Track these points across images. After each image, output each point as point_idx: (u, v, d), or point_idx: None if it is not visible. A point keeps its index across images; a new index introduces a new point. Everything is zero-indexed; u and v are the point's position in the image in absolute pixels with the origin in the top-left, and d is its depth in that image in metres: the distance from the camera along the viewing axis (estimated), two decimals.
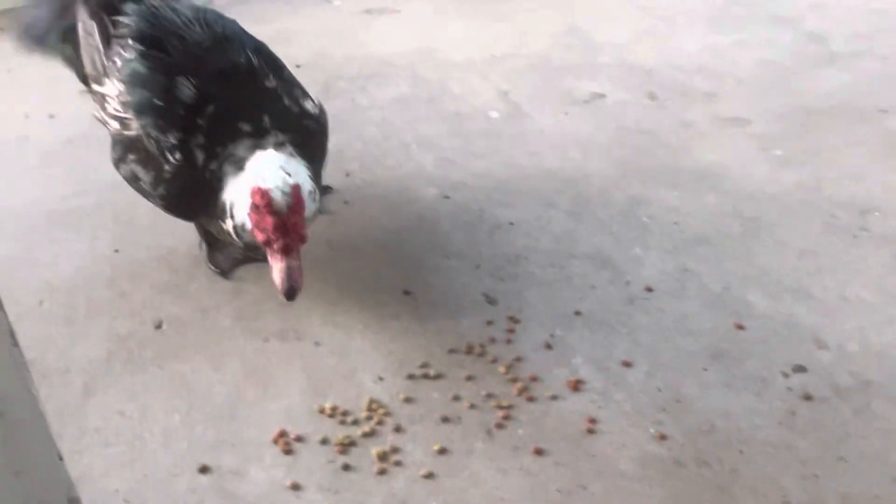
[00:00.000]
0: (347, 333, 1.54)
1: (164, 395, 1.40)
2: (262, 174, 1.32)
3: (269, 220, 1.27)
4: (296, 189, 1.30)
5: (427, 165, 2.09)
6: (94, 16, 1.64)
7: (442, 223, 1.86)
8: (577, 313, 1.58)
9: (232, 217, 1.39)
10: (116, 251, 1.77)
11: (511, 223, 1.85)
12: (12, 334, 0.74)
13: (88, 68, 1.62)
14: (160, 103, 1.45)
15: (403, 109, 2.39)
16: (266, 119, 1.44)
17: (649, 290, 1.64)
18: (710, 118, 2.32)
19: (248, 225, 1.34)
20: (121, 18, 1.56)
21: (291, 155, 1.42)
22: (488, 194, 1.96)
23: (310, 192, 1.37)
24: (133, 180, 1.55)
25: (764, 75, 2.59)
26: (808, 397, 1.38)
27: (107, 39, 1.58)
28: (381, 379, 1.43)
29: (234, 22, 1.64)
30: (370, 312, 1.59)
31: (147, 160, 1.48)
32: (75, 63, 1.73)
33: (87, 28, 1.65)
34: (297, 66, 2.60)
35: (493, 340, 1.51)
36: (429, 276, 1.69)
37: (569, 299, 1.62)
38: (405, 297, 1.63)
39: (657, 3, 3.21)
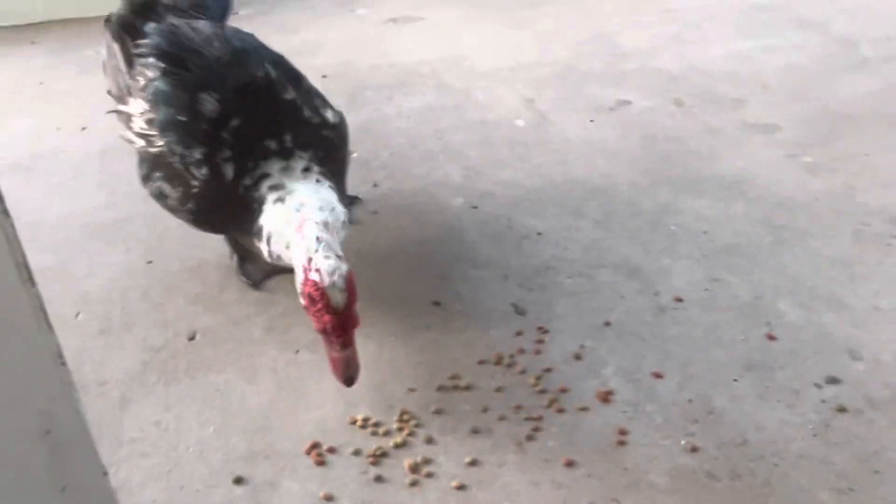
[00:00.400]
0: (378, 344, 1.55)
1: (198, 407, 1.42)
2: (316, 259, 1.30)
3: (327, 318, 1.28)
4: (350, 281, 1.30)
5: (454, 175, 2.10)
6: (117, 38, 1.68)
7: (470, 233, 1.87)
8: (607, 324, 1.58)
9: (268, 244, 1.42)
10: (150, 263, 1.79)
11: (539, 233, 1.86)
12: (60, 355, 0.75)
13: (113, 89, 1.66)
14: (183, 119, 1.48)
15: (430, 118, 2.40)
16: (288, 138, 1.47)
17: (679, 300, 1.63)
18: (738, 125, 2.31)
19: (284, 257, 1.39)
20: (141, 40, 1.60)
21: (319, 182, 1.44)
22: (516, 204, 1.97)
23: (343, 223, 1.40)
24: (160, 197, 1.58)
25: (792, 81, 2.57)
26: (842, 409, 1.36)
27: (129, 60, 1.62)
28: (411, 390, 1.44)
29: (251, 36, 1.67)
30: (400, 323, 1.60)
31: (173, 177, 1.51)
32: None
33: (110, 50, 1.69)
34: (324, 77, 2.63)
35: (522, 351, 1.52)
36: (457, 286, 1.69)
37: (598, 310, 1.61)
38: (434, 307, 1.64)
39: (682, 8, 3.21)
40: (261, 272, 1.73)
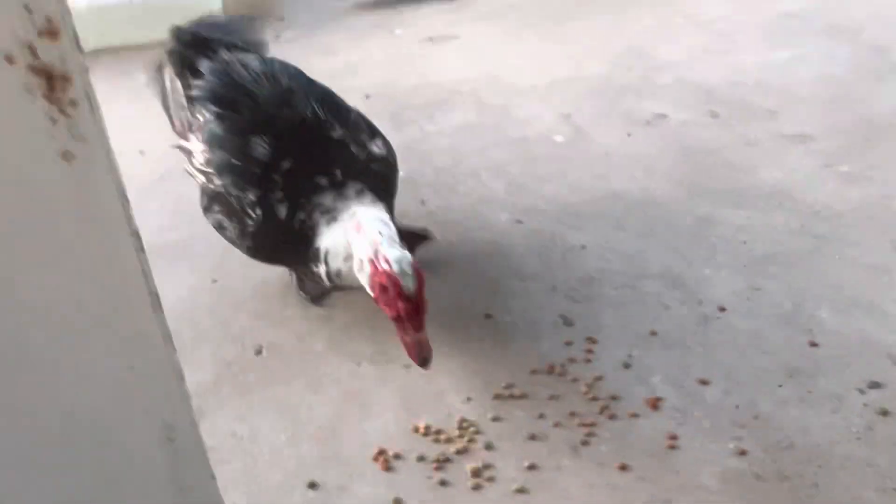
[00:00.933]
0: (435, 356, 1.63)
1: (270, 417, 1.51)
2: (382, 250, 1.39)
3: (401, 305, 1.36)
4: (417, 268, 1.39)
5: (498, 191, 2.18)
6: (179, 74, 1.78)
7: (516, 247, 1.95)
8: (653, 333, 1.65)
9: (326, 264, 1.52)
10: (214, 281, 1.90)
11: (583, 246, 1.93)
12: (181, 373, 0.85)
13: (176, 125, 1.76)
14: (237, 163, 1.56)
15: (471, 136, 2.49)
16: (338, 173, 1.55)
17: (722, 309, 1.69)
18: (774, 135, 2.36)
19: (343, 271, 1.48)
20: (197, 81, 1.69)
21: (374, 202, 1.53)
22: (559, 218, 2.05)
23: (396, 240, 1.48)
24: (220, 229, 1.68)
25: (825, 90, 2.62)
26: (884, 413, 1.42)
27: (189, 97, 1.71)
28: (469, 399, 1.52)
29: (298, 72, 1.74)
30: (454, 335, 1.68)
31: (231, 213, 1.60)
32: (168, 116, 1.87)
33: (174, 86, 1.78)
34: (367, 97, 2.73)
35: (572, 360, 1.59)
36: (507, 299, 1.77)
37: (643, 319, 1.68)
38: (486, 320, 1.72)
39: (712, 19, 3.26)
40: (319, 289, 1.82)
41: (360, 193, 1.54)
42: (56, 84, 0.64)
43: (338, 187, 1.54)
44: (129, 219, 0.76)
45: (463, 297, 1.79)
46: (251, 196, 1.54)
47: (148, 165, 2.43)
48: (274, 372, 1.62)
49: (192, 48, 1.80)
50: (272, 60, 1.78)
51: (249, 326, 1.75)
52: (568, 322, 1.69)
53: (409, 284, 1.37)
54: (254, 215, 1.55)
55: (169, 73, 1.83)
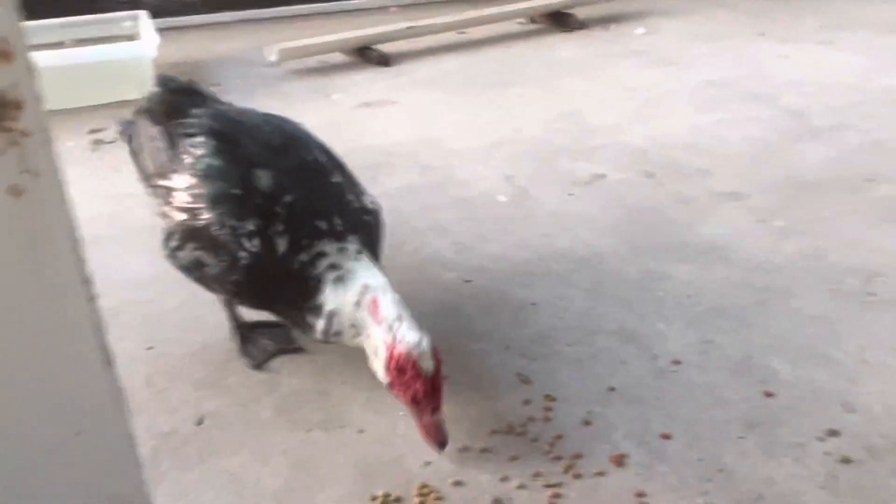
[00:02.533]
0: (389, 420, 1.56)
1: (213, 493, 1.40)
2: (401, 332, 1.39)
3: (419, 387, 1.36)
4: (435, 348, 1.39)
5: (444, 250, 2.16)
6: (158, 121, 1.73)
7: (466, 306, 1.91)
8: (611, 389, 1.62)
9: (328, 322, 1.47)
10: (150, 348, 1.79)
11: (533, 303, 1.91)
12: (133, 438, 0.77)
13: (151, 167, 1.69)
14: (237, 192, 1.53)
15: (414, 197, 2.47)
16: (338, 221, 1.53)
17: (676, 362, 1.69)
18: (708, 193, 2.43)
19: (344, 334, 1.47)
20: (189, 119, 1.66)
21: (373, 265, 1.52)
22: (507, 276, 2.03)
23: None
24: (195, 268, 1.59)
25: (751, 150, 2.73)
26: (846, 460, 1.42)
27: (171, 139, 1.66)
28: (428, 463, 1.45)
29: (298, 124, 1.75)
30: None
31: (217, 248, 1.53)
32: (138, 162, 1.81)
33: (149, 133, 1.73)
34: None
35: (532, 419, 1.55)
36: (461, 359, 1.72)
37: (601, 375, 1.66)
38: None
39: (640, 86, 3.39)
40: (263, 353, 1.74)
41: (359, 253, 1.52)
42: (6, 111, 0.57)
43: (338, 238, 1.51)
44: (80, 263, 0.70)
45: None
46: (250, 226, 1.50)
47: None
48: (217, 443, 1.51)
49: (180, 95, 1.76)
50: (270, 114, 1.77)
51: (189, 395, 1.64)
52: (525, 380, 1.65)
53: (427, 365, 1.36)
54: (249, 247, 1.49)
55: (144, 119, 1.76)
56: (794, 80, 3.37)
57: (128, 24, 3.89)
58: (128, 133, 1.90)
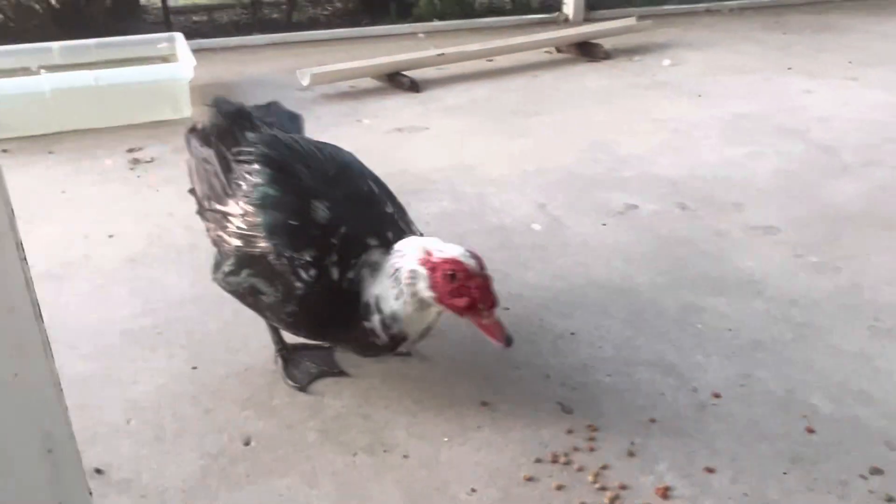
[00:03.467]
0: (433, 445, 1.58)
1: None
2: (433, 248, 1.45)
3: (474, 283, 1.41)
4: (472, 250, 1.45)
5: None
6: (210, 144, 1.75)
7: None
8: (652, 420, 1.63)
9: (379, 311, 1.50)
10: (194, 368, 1.81)
11: (572, 333, 1.93)
12: (59, 383, 0.87)
13: (204, 190, 1.71)
14: (295, 223, 1.56)
15: (450, 224, 2.50)
16: (390, 235, 1.58)
17: (717, 396, 1.70)
18: (741, 227, 2.45)
19: (398, 310, 1.49)
20: (244, 145, 1.68)
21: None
22: (545, 305, 2.05)
23: None
24: (249, 295, 1.62)
25: (783, 185, 2.75)
26: (890, 500, 1.42)
27: (225, 164, 1.69)
28: (473, 490, 1.47)
29: (351, 154, 1.78)
30: (451, 424, 1.63)
31: (272, 277, 1.56)
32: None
33: (201, 154, 1.75)
34: None
35: (576, 449, 1.56)
36: (502, 386, 1.74)
37: (642, 407, 1.67)
38: (483, 407, 1.68)
39: (669, 118, 3.42)
40: (307, 376, 1.76)
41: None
42: None
43: (387, 247, 1.55)
44: (12, 226, 0.80)
45: (456, 385, 1.75)
46: (307, 257, 1.53)
47: (117, 249, 2.35)
48: (265, 464, 1.53)
49: (233, 119, 1.78)
50: (323, 143, 1.79)
51: (235, 416, 1.66)
52: (567, 409, 1.67)
53: (472, 263, 1.42)
54: (306, 277, 1.52)
55: (193, 145, 1.78)
56: (823, 115, 3.39)
57: (163, 45, 3.96)
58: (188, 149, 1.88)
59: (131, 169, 2.93)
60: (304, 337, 1.71)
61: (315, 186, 1.61)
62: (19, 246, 0.81)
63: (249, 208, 1.59)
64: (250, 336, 1.91)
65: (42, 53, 3.78)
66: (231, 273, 1.63)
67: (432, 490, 1.47)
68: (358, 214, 1.59)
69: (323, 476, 1.51)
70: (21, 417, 0.84)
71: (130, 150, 3.09)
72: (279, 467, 1.53)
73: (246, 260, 1.59)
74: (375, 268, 1.53)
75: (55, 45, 3.80)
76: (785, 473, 1.49)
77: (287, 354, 1.81)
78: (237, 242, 1.60)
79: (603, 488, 1.46)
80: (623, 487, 1.46)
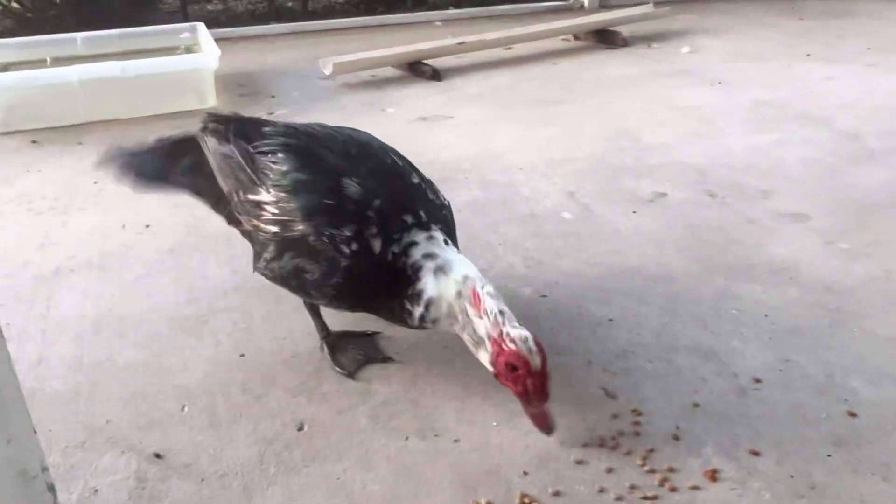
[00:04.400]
0: (483, 430, 1.61)
1: (323, 496, 1.46)
2: (506, 331, 1.47)
3: (530, 382, 1.46)
4: (539, 344, 1.47)
5: (517, 265, 2.21)
6: (227, 140, 1.76)
7: (544, 321, 1.96)
8: (696, 405, 1.66)
9: (426, 309, 1.56)
10: (242, 356, 1.85)
11: (610, 319, 1.96)
12: None
13: (231, 185, 1.74)
14: (330, 202, 1.60)
15: (480, 212, 2.52)
16: (422, 213, 1.63)
17: (758, 381, 1.73)
18: (771, 214, 2.47)
19: (441, 322, 1.57)
20: (264, 140, 1.71)
21: (461, 254, 1.63)
22: (582, 292, 2.08)
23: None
24: (293, 277, 1.65)
25: (810, 172, 2.77)
26: None
27: (249, 156, 1.71)
28: (525, 474, 1.50)
29: (367, 133, 1.82)
30: (500, 409, 1.67)
31: (315, 255, 1.60)
32: (204, 188, 1.85)
33: (222, 151, 1.77)
34: None
35: (622, 433, 1.59)
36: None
37: (684, 392, 1.70)
38: None
39: (692, 105, 3.43)
40: (354, 363, 1.80)
41: (447, 243, 1.62)
42: None
43: (425, 228, 1.61)
44: None
45: None
46: (347, 232, 1.57)
47: (156, 239, 2.38)
48: (319, 449, 1.57)
49: (235, 123, 1.81)
50: (338, 127, 1.83)
51: (286, 402, 1.70)
52: (611, 395, 1.70)
53: (535, 361, 1.45)
54: (348, 251, 1.57)
55: (210, 143, 1.80)
56: (846, 101, 3.40)
57: (186, 35, 3.98)
58: (179, 165, 1.90)
59: None
60: (346, 309, 1.77)
61: (341, 165, 1.65)
62: None
63: (282, 194, 1.62)
64: (294, 324, 1.95)
65: (65, 44, 3.81)
66: (273, 259, 1.66)
67: (485, 473, 1.51)
68: (387, 187, 1.64)
69: (377, 459, 1.54)
70: None
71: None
72: (333, 452, 1.56)
73: (286, 244, 1.63)
74: (437, 267, 1.57)
75: (79, 35, 3.83)
76: (829, 456, 1.53)
77: (333, 342, 1.84)
78: (274, 229, 1.64)
79: (652, 471, 1.50)
80: (671, 470, 1.50)
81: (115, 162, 1.92)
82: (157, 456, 1.55)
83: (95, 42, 3.89)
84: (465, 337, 1.56)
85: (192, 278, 2.17)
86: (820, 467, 1.50)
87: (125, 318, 2.00)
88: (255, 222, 1.67)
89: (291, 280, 1.69)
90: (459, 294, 1.53)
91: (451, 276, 1.55)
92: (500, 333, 1.47)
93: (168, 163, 1.91)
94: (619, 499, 1.44)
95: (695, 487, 1.46)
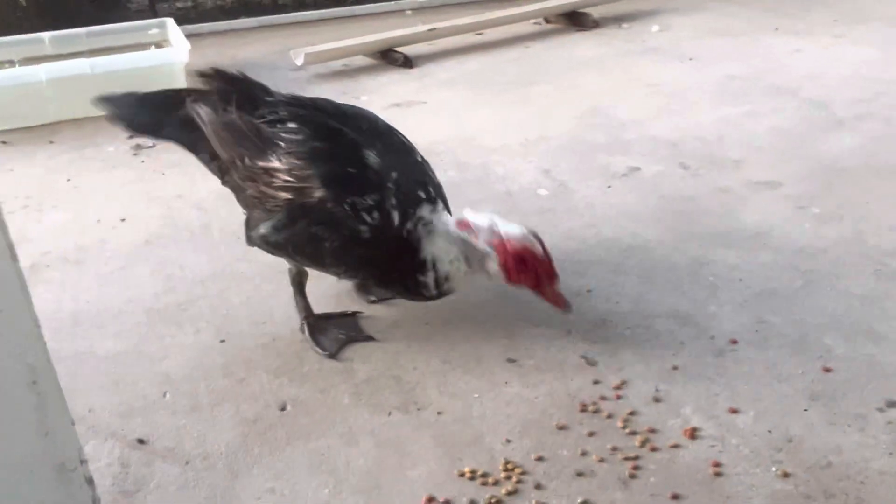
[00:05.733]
0: (465, 402, 1.63)
1: (307, 472, 1.46)
2: (502, 231, 1.59)
3: (540, 268, 1.58)
4: (533, 231, 1.60)
5: None
6: (227, 109, 1.72)
7: (523, 294, 1.95)
8: (675, 368, 1.69)
9: (435, 270, 1.64)
10: (222, 341, 1.85)
11: (588, 290, 1.98)
12: (37, 319, 0.91)
13: (234, 153, 1.70)
14: (353, 170, 1.63)
15: (457, 193, 2.51)
16: (431, 189, 1.69)
17: (734, 342, 1.75)
18: (743, 183, 2.50)
19: (451, 272, 1.66)
20: (269, 109, 1.73)
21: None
22: (560, 265, 2.04)
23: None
24: (308, 244, 1.66)
25: (780, 141, 2.80)
26: None
27: (254, 127, 1.69)
28: (508, 441, 1.52)
29: (371, 111, 1.86)
30: (481, 381, 1.68)
31: (334, 223, 1.62)
32: (199, 145, 1.83)
33: (222, 120, 1.72)
34: None
35: (603, 398, 1.61)
36: (526, 343, 1.79)
37: (662, 356, 1.73)
38: (510, 364, 1.73)
39: (663, 82, 3.46)
40: (336, 343, 1.80)
41: (444, 211, 1.70)
42: None
43: (432, 202, 1.68)
44: None
45: (481, 344, 1.80)
46: (369, 201, 1.61)
47: (131, 232, 2.37)
48: (303, 427, 1.58)
49: (239, 87, 1.79)
50: (343, 103, 1.87)
51: (268, 384, 1.70)
52: (591, 362, 1.72)
53: (538, 248, 1.58)
54: (369, 220, 1.60)
55: (205, 109, 1.75)
56: (814, 72, 3.44)
57: (154, 31, 3.95)
58: (175, 118, 1.87)
59: (135, 154, 2.95)
60: (362, 279, 1.82)
61: (359, 138, 1.68)
62: None
63: (297, 162, 1.62)
64: (274, 308, 1.95)
65: (33, 44, 3.77)
66: (285, 227, 1.66)
67: (468, 443, 1.52)
68: (401, 162, 1.70)
69: (361, 435, 1.55)
70: (7, 351, 0.89)
71: (132, 137, 3.08)
72: (317, 429, 1.57)
73: (300, 211, 1.64)
74: (430, 227, 1.64)
75: (46, 35, 3.78)
76: (806, 410, 1.55)
77: (313, 322, 1.84)
78: (286, 195, 1.64)
79: (633, 433, 1.52)
80: (652, 431, 1.52)
81: (108, 110, 1.90)
82: (141, 441, 1.55)
83: (64, 41, 3.84)
84: (474, 263, 1.64)
85: (169, 268, 2.16)
86: (797, 421, 1.53)
87: (103, 310, 1.99)
88: (263, 189, 1.66)
89: (306, 247, 1.68)
90: (449, 233, 1.61)
91: (438, 228, 1.63)
92: (500, 236, 1.57)
93: (160, 115, 1.89)
94: (601, 461, 1.46)
95: (675, 446, 1.48)
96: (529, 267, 1.59)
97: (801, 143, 2.77)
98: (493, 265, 1.62)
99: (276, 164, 1.64)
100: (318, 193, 1.61)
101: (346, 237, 1.63)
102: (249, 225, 1.76)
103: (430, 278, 1.65)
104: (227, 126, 1.71)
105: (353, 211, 1.61)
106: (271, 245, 1.72)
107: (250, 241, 1.76)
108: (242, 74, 1.89)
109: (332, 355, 1.77)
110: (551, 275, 1.63)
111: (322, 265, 1.73)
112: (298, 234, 1.66)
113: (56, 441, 0.95)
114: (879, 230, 2.16)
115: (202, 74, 1.85)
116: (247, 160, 1.69)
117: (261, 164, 1.67)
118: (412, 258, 1.64)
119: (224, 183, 1.85)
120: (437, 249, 1.64)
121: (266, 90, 1.85)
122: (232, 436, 1.56)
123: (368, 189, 1.62)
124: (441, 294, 1.68)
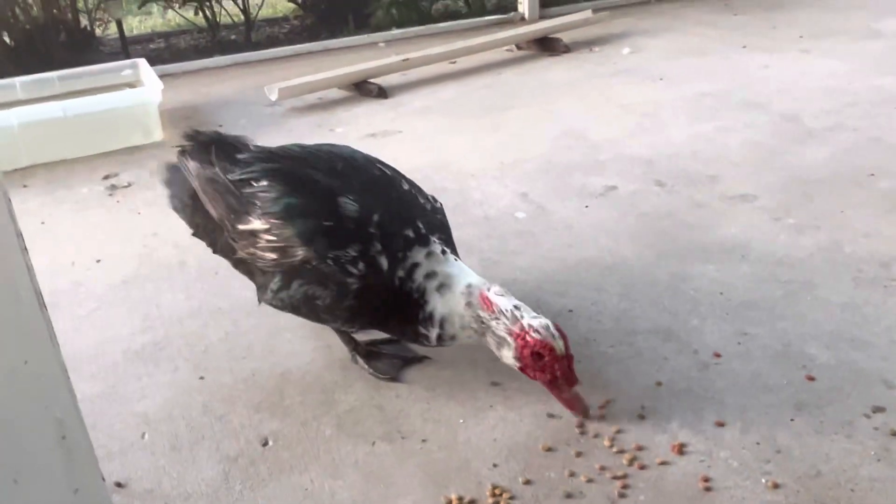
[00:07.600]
0: (449, 428, 1.60)
1: None
2: (526, 322, 1.50)
3: (558, 368, 1.48)
4: (559, 328, 1.50)
5: (474, 267, 2.19)
6: (211, 163, 1.71)
7: None
8: (659, 384, 1.67)
9: (441, 328, 1.56)
10: (202, 378, 1.81)
11: (570, 310, 1.97)
12: (66, 369, 0.89)
13: (222, 211, 1.67)
14: (329, 224, 1.56)
15: None
16: (420, 224, 1.61)
17: (717, 355, 1.75)
18: (719, 197, 2.51)
19: (459, 336, 1.58)
20: (242, 168, 1.67)
21: (459, 261, 1.64)
22: (539, 286, 2.08)
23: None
24: (304, 304, 1.62)
25: (753, 154, 2.82)
26: (894, 434, 1.48)
27: (239, 181, 1.66)
28: (495, 465, 1.49)
29: (347, 146, 1.80)
30: (465, 406, 1.66)
31: (324, 279, 1.57)
32: (191, 213, 1.83)
33: (205, 175, 1.70)
34: None
35: (588, 418, 1.59)
36: (508, 366, 1.77)
37: (646, 372, 1.71)
38: (494, 387, 1.71)
39: (635, 102, 3.49)
40: (394, 367, 1.77)
41: (444, 254, 1.61)
42: None
43: (424, 242, 1.59)
44: (11, 215, 0.81)
45: (464, 369, 1.78)
46: (352, 252, 1.55)
47: (107, 273, 2.34)
48: (285, 461, 1.54)
49: (216, 144, 1.76)
50: (318, 143, 1.80)
51: (249, 419, 1.67)
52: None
53: (560, 346, 1.48)
54: (356, 271, 1.55)
55: (192, 164, 1.74)
56: (783, 87, 3.49)
57: (127, 72, 3.95)
58: (173, 182, 1.88)
59: (110, 195, 2.92)
60: (360, 328, 1.74)
61: (334, 184, 1.62)
62: (19, 235, 0.83)
63: (275, 221, 1.58)
64: (254, 342, 1.92)
65: (4, 90, 3.74)
66: (281, 289, 1.63)
67: (454, 469, 1.49)
68: (383, 199, 1.63)
69: (345, 467, 1.52)
70: (34, 405, 0.85)
71: (106, 177, 3.07)
72: (300, 463, 1.54)
73: (292, 272, 1.59)
74: (439, 284, 1.57)
75: (17, 80, 3.77)
76: (792, 420, 1.54)
77: (364, 351, 1.81)
78: (272, 256, 1.60)
79: (621, 451, 1.50)
80: (640, 448, 1.50)
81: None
82: (119, 485, 1.51)
83: (35, 86, 3.83)
84: (488, 341, 1.56)
85: (146, 307, 2.13)
86: (784, 432, 1.52)
87: (78, 352, 1.95)
88: (252, 250, 1.63)
89: (302, 308, 1.65)
90: (469, 304, 1.54)
91: (455, 290, 1.56)
92: (522, 326, 1.49)
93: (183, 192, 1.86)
94: (589, 481, 1.44)
95: (664, 463, 1.46)
96: (547, 366, 1.48)
97: (774, 155, 2.80)
98: (509, 354, 1.53)
99: (256, 225, 1.61)
100: (300, 252, 1.57)
101: (335, 293, 1.57)
102: (258, 291, 1.72)
103: (434, 333, 1.57)
104: (210, 181, 1.69)
105: (336, 265, 1.55)
106: (278, 308, 1.70)
107: (262, 300, 1.73)
108: (217, 134, 1.86)
109: (395, 378, 1.75)
110: (570, 379, 1.51)
111: (321, 321, 1.69)
112: (294, 296, 1.62)
113: (85, 498, 0.91)
114: (855, 238, 2.18)
115: (186, 137, 1.83)
116: (232, 222, 1.65)
117: (242, 227, 1.63)
118: (414, 309, 1.57)
119: (214, 251, 1.82)
120: (449, 312, 1.55)
121: (237, 147, 1.78)
122: (213, 474, 1.52)
123: (349, 240, 1.56)
124: (440, 346, 1.61)
